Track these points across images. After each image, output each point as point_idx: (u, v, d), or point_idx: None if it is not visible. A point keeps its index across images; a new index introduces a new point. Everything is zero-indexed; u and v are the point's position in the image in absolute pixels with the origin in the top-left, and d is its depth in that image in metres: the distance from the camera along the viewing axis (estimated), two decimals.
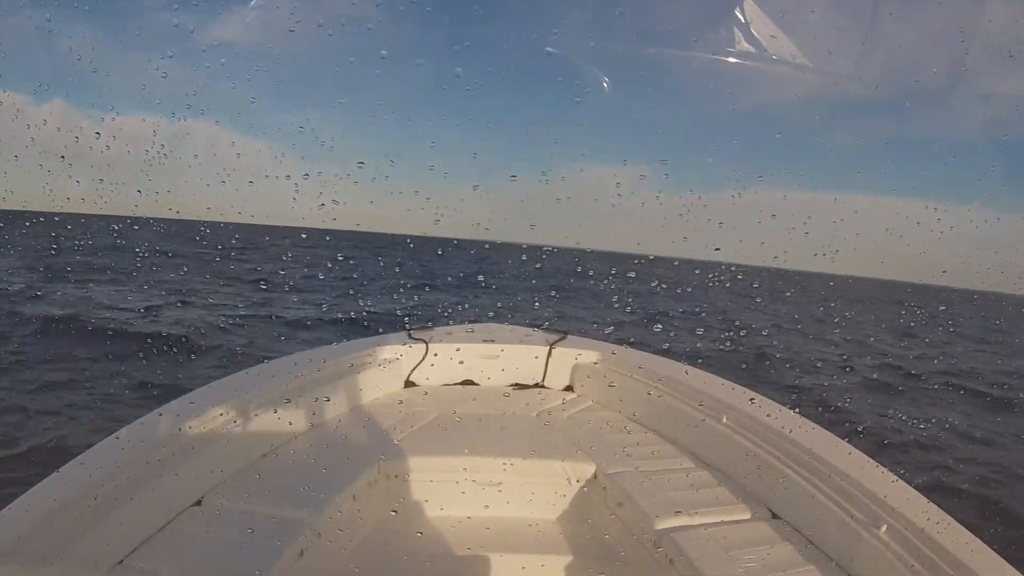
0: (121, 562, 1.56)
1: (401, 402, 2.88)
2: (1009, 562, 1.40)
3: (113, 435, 1.83)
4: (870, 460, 1.90)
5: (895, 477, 1.80)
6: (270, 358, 2.85)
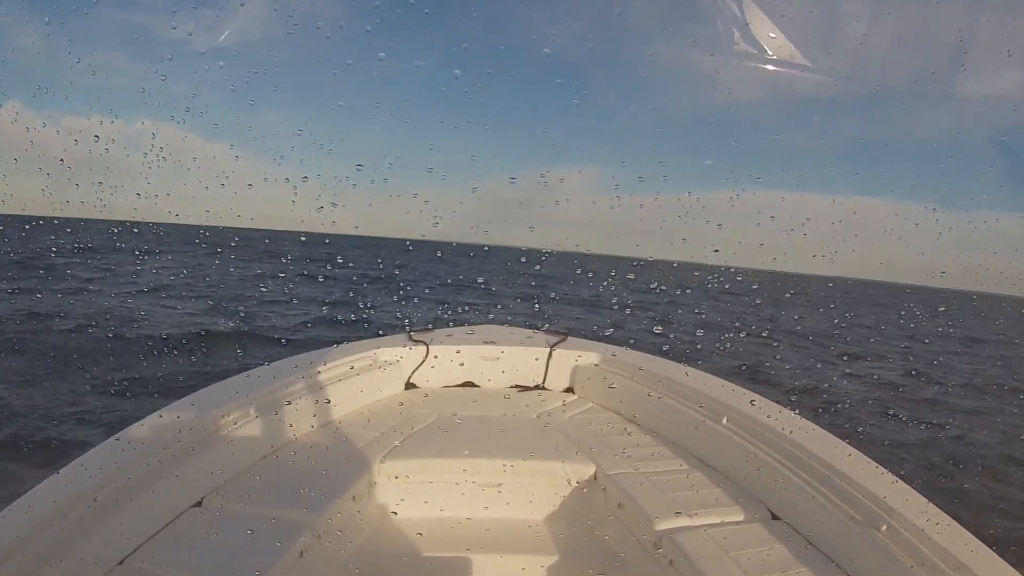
0: (121, 563, 1.56)
1: (402, 404, 2.88)
2: (1008, 562, 1.41)
3: (114, 437, 1.83)
4: (870, 461, 1.90)
5: (895, 478, 1.80)
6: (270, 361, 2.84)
